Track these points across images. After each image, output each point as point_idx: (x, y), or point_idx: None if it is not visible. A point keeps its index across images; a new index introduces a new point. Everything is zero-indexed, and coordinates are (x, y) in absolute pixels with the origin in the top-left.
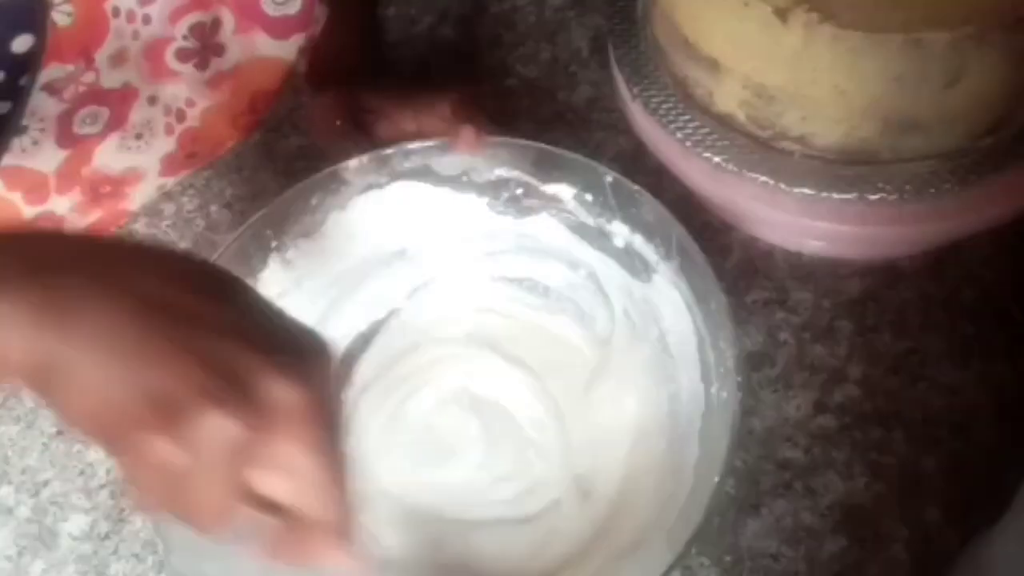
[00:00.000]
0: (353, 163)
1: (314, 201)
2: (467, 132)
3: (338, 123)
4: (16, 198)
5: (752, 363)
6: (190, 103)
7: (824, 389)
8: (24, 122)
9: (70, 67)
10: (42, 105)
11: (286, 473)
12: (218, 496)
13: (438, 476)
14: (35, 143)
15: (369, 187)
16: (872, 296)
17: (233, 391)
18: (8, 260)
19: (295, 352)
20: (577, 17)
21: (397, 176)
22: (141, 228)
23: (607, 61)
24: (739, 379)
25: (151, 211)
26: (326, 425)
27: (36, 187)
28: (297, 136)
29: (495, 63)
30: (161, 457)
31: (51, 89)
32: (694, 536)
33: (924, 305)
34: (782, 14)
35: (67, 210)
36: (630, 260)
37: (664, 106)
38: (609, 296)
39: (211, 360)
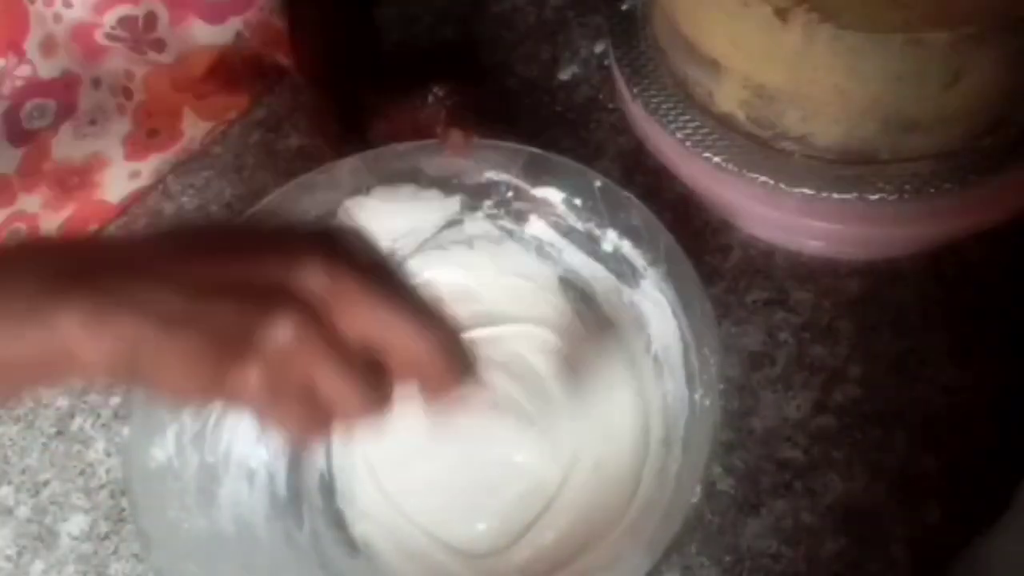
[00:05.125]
0: (344, 162)
1: (306, 200)
2: (457, 134)
3: (335, 125)
4: None
5: (752, 363)
6: (130, 76)
7: (824, 389)
8: None
9: (1, 61)
10: None
11: (377, 326)
12: (343, 378)
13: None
14: None
15: (360, 187)
16: (872, 296)
17: (282, 295)
18: (58, 265)
19: (300, 235)
20: (577, 17)
21: (387, 177)
22: (141, 228)
23: (607, 61)
24: (722, 387)
25: (151, 211)
26: (367, 267)
27: (0, 189)
28: (297, 136)
29: (495, 63)
30: (258, 380)
31: None
32: (672, 544)
33: (924, 305)
34: (782, 14)
35: (38, 207)
36: (618, 265)
37: (664, 106)
38: (597, 300)
39: (248, 287)
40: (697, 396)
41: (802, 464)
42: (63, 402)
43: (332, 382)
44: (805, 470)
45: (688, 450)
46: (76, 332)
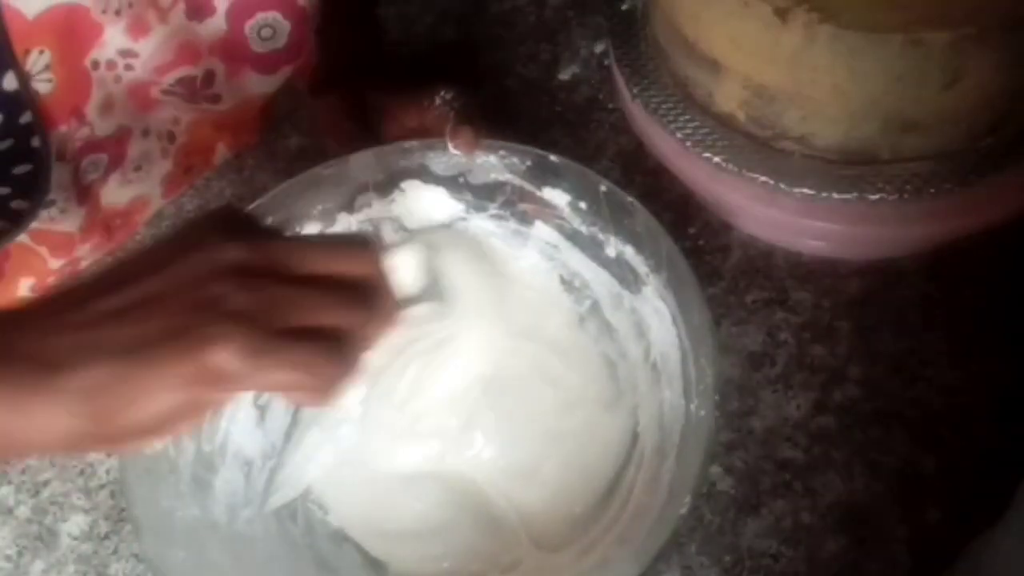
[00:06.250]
0: (351, 158)
1: (311, 194)
2: (465, 132)
3: (346, 125)
4: (43, 251)
5: (752, 363)
6: (176, 122)
7: (824, 389)
8: (52, 195)
9: (64, 128)
10: (60, 175)
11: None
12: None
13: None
14: (62, 211)
15: (364, 185)
16: (872, 296)
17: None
18: None
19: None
20: (577, 17)
21: (393, 174)
22: (141, 228)
23: (607, 61)
24: (717, 398)
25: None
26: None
27: (63, 244)
28: (297, 136)
29: (495, 63)
30: (235, 341)
31: (59, 155)
32: (660, 552)
33: (924, 305)
34: (782, 14)
35: (87, 252)
36: (621, 270)
37: (664, 106)
38: (599, 304)
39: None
40: (693, 406)
41: (802, 464)
42: None
43: (320, 304)
44: (805, 470)
45: (682, 460)
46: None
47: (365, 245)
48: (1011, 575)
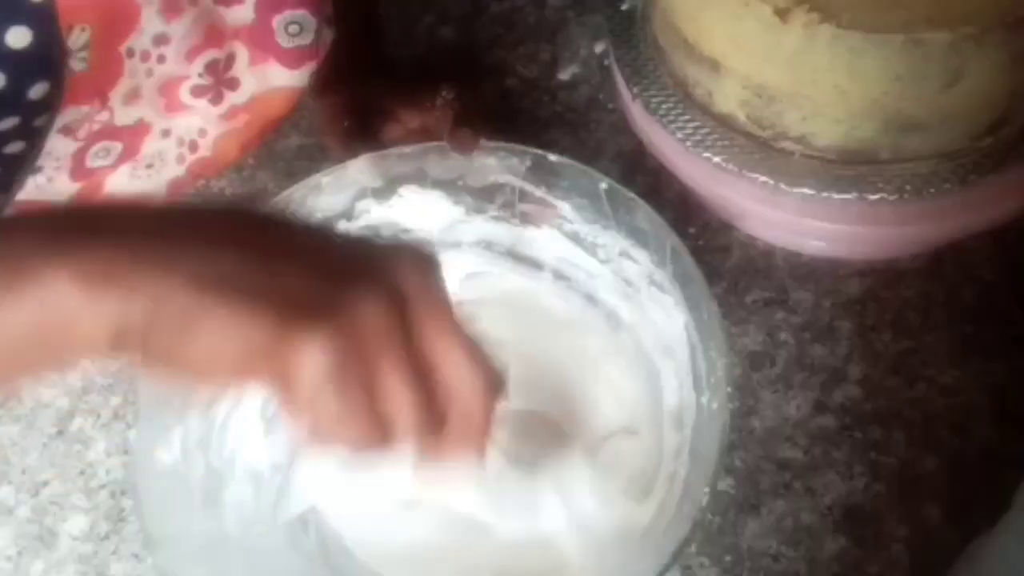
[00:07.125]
0: (350, 164)
1: (311, 201)
2: (464, 134)
3: (347, 124)
4: None
5: (752, 363)
6: (203, 133)
7: (824, 389)
8: (40, 162)
9: (85, 108)
10: (58, 146)
11: (439, 350)
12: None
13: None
14: (49, 180)
15: (363, 191)
16: (872, 296)
17: (362, 282)
18: (65, 224)
19: (392, 252)
20: (577, 17)
21: (391, 180)
22: None
23: (607, 61)
24: (729, 390)
25: None
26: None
27: None
28: (297, 136)
29: (495, 63)
30: (327, 353)
31: (67, 131)
32: (679, 548)
33: (924, 305)
34: (782, 14)
35: None
36: (624, 267)
37: (664, 106)
38: (603, 302)
39: (332, 266)
40: (704, 400)
41: (802, 464)
42: (63, 402)
43: (401, 387)
44: (805, 470)
45: (696, 455)
46: (72, 292)
47: (501, 381)
48: (1012, 575)
